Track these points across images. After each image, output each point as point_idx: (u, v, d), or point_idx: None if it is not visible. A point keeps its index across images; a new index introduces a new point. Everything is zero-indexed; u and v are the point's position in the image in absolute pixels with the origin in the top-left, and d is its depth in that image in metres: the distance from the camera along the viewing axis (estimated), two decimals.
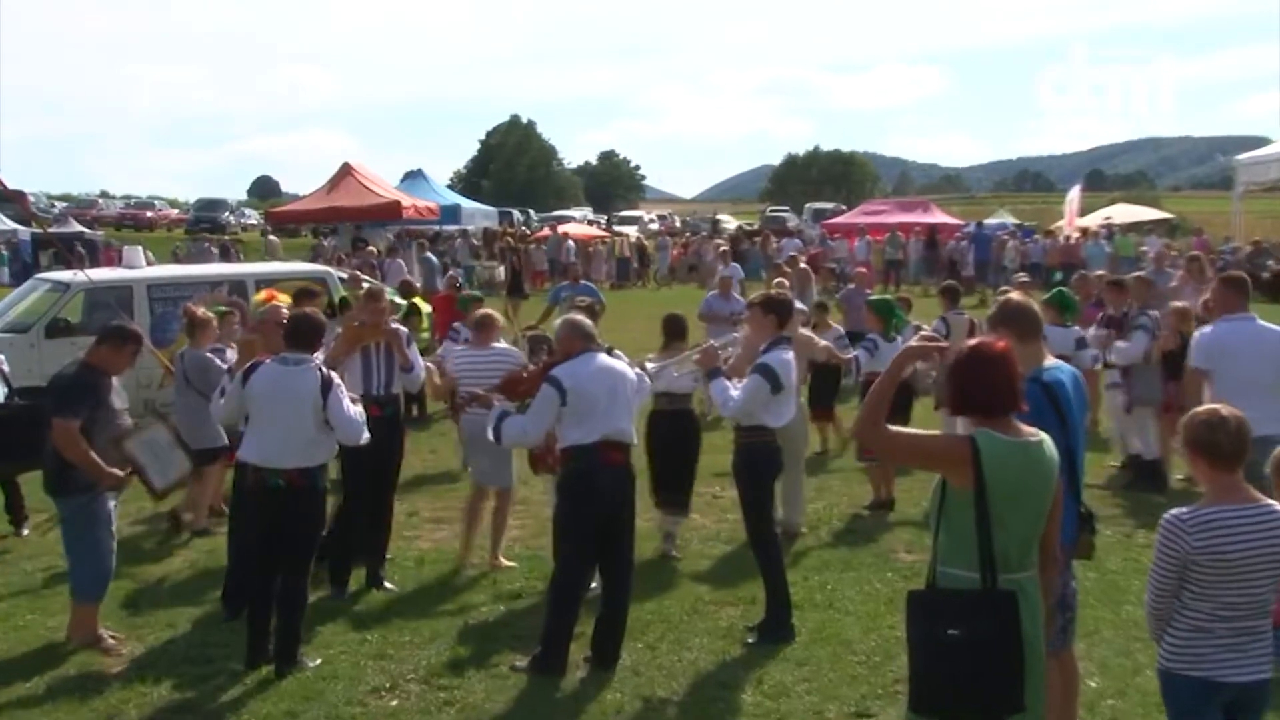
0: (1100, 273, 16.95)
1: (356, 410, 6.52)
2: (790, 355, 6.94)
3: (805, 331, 10.21)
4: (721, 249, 28.38)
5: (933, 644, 3.84)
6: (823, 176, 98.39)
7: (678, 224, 62.10)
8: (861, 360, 9.99)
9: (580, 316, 6.77)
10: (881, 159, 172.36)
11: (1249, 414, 4.16)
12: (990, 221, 43.09)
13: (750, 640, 6.82)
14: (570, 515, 6.42)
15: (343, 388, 6.54)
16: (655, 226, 55.49)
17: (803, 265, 20.43)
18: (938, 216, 42.49)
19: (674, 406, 8.65)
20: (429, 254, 27.74)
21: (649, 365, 7.40)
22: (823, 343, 10.43)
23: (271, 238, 36.14)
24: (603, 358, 6.47)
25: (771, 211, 62.59)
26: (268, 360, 6.62)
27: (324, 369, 6.53)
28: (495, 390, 7.08)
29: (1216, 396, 6.66)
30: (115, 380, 6.92)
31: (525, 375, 6.84)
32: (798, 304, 9.88)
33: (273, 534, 6.44)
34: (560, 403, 6.28)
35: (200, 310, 9.57)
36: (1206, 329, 7.47)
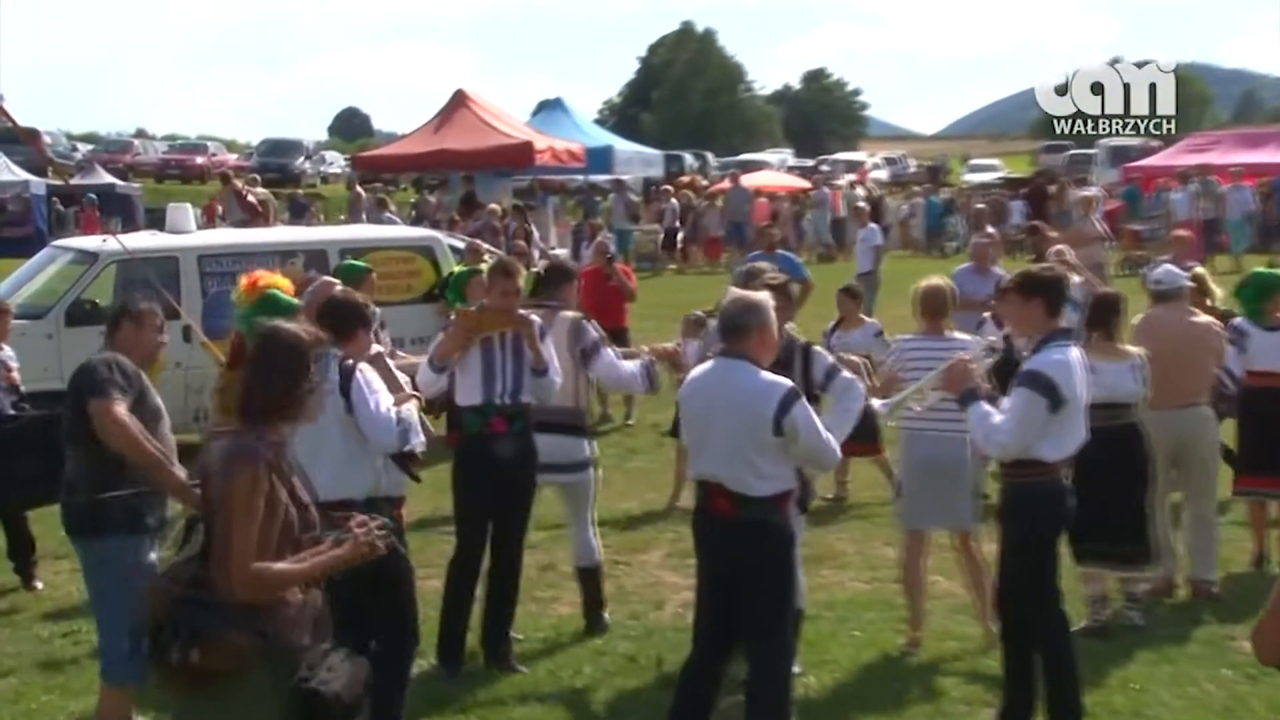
0: None
1: (406, 408, 6.60)
2: (1073, 354, 6.76)
3: (1204, 317, 9.45)
4: (856, 205, 27.43)
5: None
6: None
7: (912, 168, 61.53)
8: (1232, 362, 9.42)
9: (740, 295, 6.63)
10: (1217, 73, 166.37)
11: None
12: None
13: None
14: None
15: (368, 379, 6.61)
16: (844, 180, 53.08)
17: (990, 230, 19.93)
18: None
19: (1112, 421, 8.08)
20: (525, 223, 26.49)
21: (876, 405, 7.57)
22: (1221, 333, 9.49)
23: (260, 189, 31.96)
24: (721, 366, 6.43)
25: (1052, 149, 61.21)
26: None
27: (345, 360, 6.57)
28: None
29: None
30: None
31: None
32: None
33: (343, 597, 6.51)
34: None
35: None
36: None
